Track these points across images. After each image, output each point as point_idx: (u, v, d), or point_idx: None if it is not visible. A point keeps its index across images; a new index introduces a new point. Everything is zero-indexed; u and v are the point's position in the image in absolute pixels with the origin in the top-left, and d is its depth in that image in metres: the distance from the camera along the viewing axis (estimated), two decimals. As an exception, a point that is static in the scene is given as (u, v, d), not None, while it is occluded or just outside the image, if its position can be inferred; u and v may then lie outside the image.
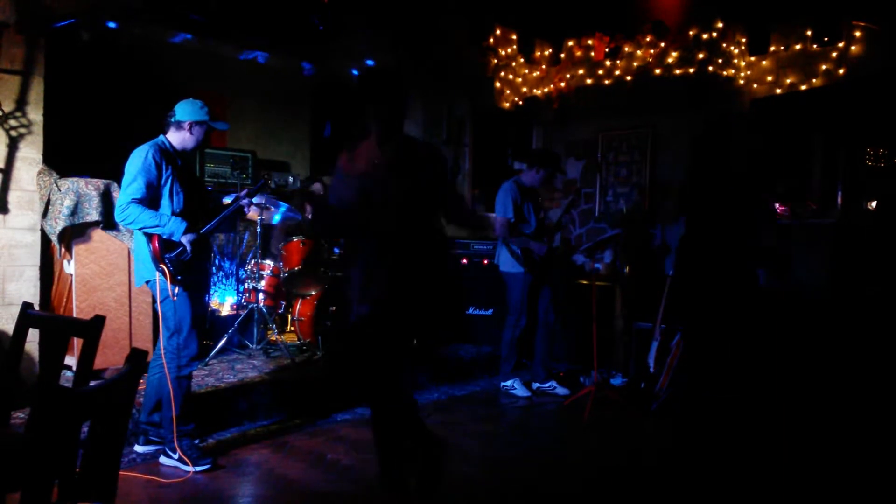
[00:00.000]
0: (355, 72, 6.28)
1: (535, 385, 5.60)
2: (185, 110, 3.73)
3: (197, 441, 3.81)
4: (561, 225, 5.60)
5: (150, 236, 3.56)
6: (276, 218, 5.45)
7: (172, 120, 3.73)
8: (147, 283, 3.69)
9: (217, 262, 6.23)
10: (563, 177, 7.76)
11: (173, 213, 3.61)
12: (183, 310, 3.65)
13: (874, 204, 5.98)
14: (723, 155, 4.04)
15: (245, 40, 5.88)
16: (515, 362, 5.57)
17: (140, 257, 3.69)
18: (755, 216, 4.05)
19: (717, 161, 4.02)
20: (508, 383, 5.57)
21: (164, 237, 3.56)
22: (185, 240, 3.58)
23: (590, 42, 7.64)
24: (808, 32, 6.49)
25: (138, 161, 3.56)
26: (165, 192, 3.62)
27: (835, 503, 3.65)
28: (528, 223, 5.41)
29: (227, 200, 4.20)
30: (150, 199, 3.58)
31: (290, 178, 6.96)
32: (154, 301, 3.88)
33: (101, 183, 4.48)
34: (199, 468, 3.62)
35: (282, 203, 5.42)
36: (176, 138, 3.75)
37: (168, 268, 3.55)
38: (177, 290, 3.60)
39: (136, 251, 3.75)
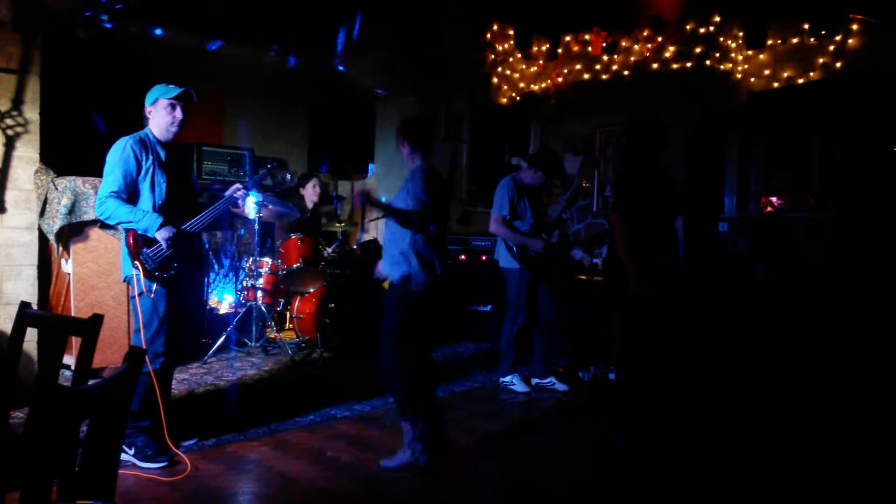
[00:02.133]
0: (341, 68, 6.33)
1: (535, 381, 5.60)
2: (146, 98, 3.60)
3: (154, 441, 3.63)
4: (561, 221, 5.58)
5: (127, 231, 3.49)
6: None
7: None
8: (126, 278, 3.60)
9: (214, 259, 6.22)
10: (559, 182, 7.76)
11: (154, 207, 3.52)
12: (155, 306, 3.53)
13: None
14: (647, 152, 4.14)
15: (243, 38, 5.86)
16: (514, 358, 5.56)
17: (123, 252, 3.61)
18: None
19: (643, 157, 4.12)
20: (507, 379, 5.57)
21: (140, 233, 3.47)
22: (160, 236, 3.46)
23: (587, 37, 7.62)
24: (806, 26, 6.48)
25: (117, 152, 3.48)
26: (146, 184, 3.52)
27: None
28: (524, 220, 5.41)
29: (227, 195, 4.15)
30: (130, 192, 3.49)
31: (288, 176, 6.95)
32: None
33: (98, 181, 4.46)
34: (153, 465, 3.53)
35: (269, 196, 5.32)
36: (153, 128, 3.62)
37: (144, 264, 3.46)
38: (154, 286, 3.49)
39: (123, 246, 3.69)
